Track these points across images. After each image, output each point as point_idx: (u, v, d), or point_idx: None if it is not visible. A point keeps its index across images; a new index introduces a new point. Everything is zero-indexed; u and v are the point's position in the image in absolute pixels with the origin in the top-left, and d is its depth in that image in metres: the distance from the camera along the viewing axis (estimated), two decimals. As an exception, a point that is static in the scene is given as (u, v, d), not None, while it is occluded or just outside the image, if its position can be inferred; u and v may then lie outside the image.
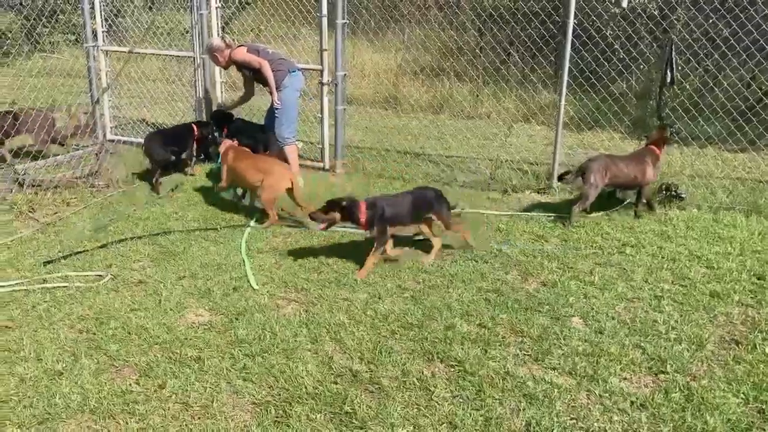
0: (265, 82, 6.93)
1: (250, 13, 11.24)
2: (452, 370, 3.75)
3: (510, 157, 8.04)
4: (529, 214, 6.26)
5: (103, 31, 8.34)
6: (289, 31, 9.51)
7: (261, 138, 7.38)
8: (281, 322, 4.19)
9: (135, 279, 4.79)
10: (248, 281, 4.78)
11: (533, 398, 3.49)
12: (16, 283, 4.66)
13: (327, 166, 7.77)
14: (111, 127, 8.70)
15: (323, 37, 7.37)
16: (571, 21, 6.58)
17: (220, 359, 3.78)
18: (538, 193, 6.99)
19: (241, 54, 6.85)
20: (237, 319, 4.23)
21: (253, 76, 7.02)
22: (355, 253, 5.30)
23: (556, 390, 3.56)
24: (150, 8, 10.99)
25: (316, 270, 5.02)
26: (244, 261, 5.08)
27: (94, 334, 4.02)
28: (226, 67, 7.32)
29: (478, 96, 11.06)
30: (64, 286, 4.63)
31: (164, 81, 9.33)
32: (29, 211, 5.97)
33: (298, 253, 5.30)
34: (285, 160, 7.05)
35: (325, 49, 7.39)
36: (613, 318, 4.36)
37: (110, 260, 5.14)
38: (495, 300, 4.57)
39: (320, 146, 7.84)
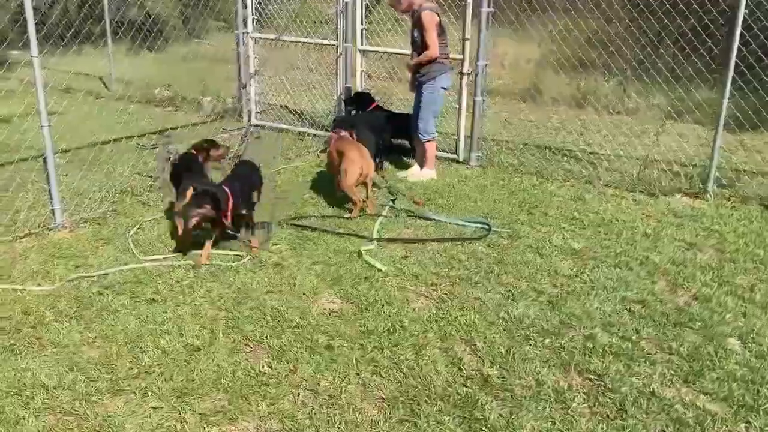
0: (417, 50, 6.72)
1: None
2: (591, 383, 3.51)
3: (659, 156, 7.50)
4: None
5: (253, 18, 8.64)
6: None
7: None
8: (411, 317, 4.12)
9: (272, 262, 4.90)
10: (376, 268, 4.76)
11: (682, 424, 3.19)
12: (164, 258, 4.90)
13: (461, 159, 7.61)
14: (255, 113, 9.02)
15: (466, 26, 7.20)
16: (742, 10, 5.98)
17: (350, 349, 3.76)
18: (690, 197, 6.45)
19: (429, 21, 6.48)
20: (367, 309, 4.20)
21: (414, 42, 6.77)
22: (491, 248, 5.13)
23: (709, 418, 3.23)
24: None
25: (447, 265, 4.89)
26: (361, 252, 5.03)
27: (232, 312, 4.14)
28: (402, 12, 7.00)
29: (625, 90, 10.43)
30: (208, 264, 4.81)
31: (306, 69, 9.54)
32: (178, 190, 6.27)
33: (428, 247, 5.20)
34: (424, 155, 6.98)
35: (467, 39, 7.22)
36: (777, 342, 3.91)
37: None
38: (640, 312, 4.24)
39: (455, 137, 7.69)
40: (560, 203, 6.26)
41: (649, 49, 8.76)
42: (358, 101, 7.76)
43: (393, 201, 6.19)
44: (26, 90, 10.24)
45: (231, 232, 4.98)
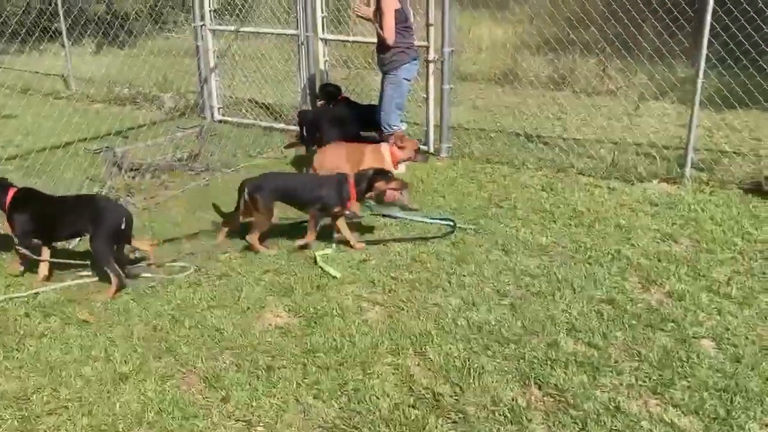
0: (376, 34, 6.34)
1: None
2: (552, 399, 3.22)
3: (636, 140, 7.21)
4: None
5: (210, 10, 8.26)
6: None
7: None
8: (362, 330, 3.82)
9: (218, 272, 4.58)
10: (330, 275, 4.46)
11: (648, 444, 2.91)
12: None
13: (431, 150, 7.29)
14: (218, 108, 8.66)
15: (430, 11, 6.86)
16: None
17: (292, 370, 3.46)
18: (667, 182, 6.16)
19: (389, 5, 6.08)
20: (316, 323, 3.90)
21: (376, 26, 6.35)
22: (455, 247, 4.83)
23: (677, 435, 2.95)
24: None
25: (408, 268, 4.59)
26: (317, 258, 4.71)
27: (168, 333, 3.83)
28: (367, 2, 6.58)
29: (604, 70, 10.10)
30: (148, 277, 4.50)
31: (271, 60, 9.18)
32: (127, 195, 5.95)
33: (390, 248, 4.90)
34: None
35: (431, 24, 6.88)
36: (753, 342, 3.64)
37: (198, 249, 4.97)
38: (609, 313, 3.95)
39: (425, 128, 7.36)
40: (531, 195, 5.96)
41: (630, 26, 8.43)
42: (325, 93, 7.41)
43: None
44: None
45: None
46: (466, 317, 3.93)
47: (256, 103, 8.91)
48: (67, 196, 5.00)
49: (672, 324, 3.82)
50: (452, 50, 6.96)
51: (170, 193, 6.11)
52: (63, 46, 10.66)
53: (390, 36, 6.14)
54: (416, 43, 6.91)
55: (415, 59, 6.52)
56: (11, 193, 4.44)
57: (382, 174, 4.98)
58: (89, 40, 12.62)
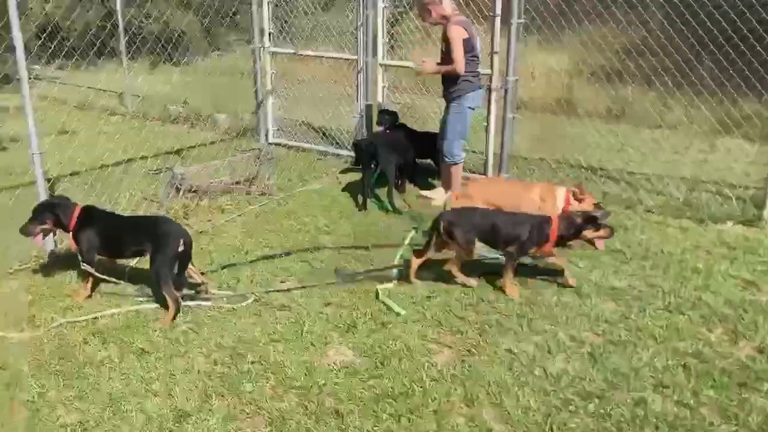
0: (444, 63, 6.19)
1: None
2: (644, 465, 2.97)
3: (706, 177, 6.90)
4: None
5: (269, 32, 8.23)
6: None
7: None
8: (432, 374, 3.61)
9: (279, 302, 4.43)
10: (394, 311, 4.27)
11: None
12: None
13: (491, 180, 7.08)
14: (273, 130, 8.61)
15: (495, 39, 6.69)
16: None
17: (362, 417, 3.27)
18: (744, 224, 5.84)
19: (457, 36, 5.98)
20: (383, 363, 3.71)
21: (443, 57, 6.25)
22: (524, 286, 4.60)
23: None
24: (322, 8, 10.90)
25: (474, 307, 4.38)
26: (378, 292, 4.53)
27: (229, 368, 3.67)
28: (432, 24, 6.48)
29: (665, 103, 9.79)
30: (208, 306, 4.37)
31: (327, 84, 9.12)
32: (184, 218, 5.87)
33: (454, 283, 4.69)
34: (449, 179, 6.48)
35: (496, 52, 6.71)
36: None
37: (257, 277, 4.84)
38: (696, 368, 3.68)
39: (483, 158, 7.16)
40: (599, 232, 5.70)
41: (690, 56, 8.15)
42: (383, 119, 7.28)
43: (416, 229, 5.70)
44: (44, 107, 10.05)
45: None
46: (542, 366, 3.69)
47: (311, 126, 8.83)
48: (132, 215, 4.96)
49: (768, 384, 3.53)
50: (516, 79, 6.78)
51: (227, 216, 6.01)
52: (121, 63, 10.77)
53: (460, 67, 6.02)
54: (481, 71, 6.78)
55: (481, 87, 6.37)
56: (77, 211, 4.41)
57: (591, 220, 4.61)
58: (145, 59, 12.77)
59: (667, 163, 7.60)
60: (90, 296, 4.44)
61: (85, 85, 11.26)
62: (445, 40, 6.13)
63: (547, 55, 12.07)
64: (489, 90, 6.84)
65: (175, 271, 4.25)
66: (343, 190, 6.87)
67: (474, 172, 7.21)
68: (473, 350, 3.86)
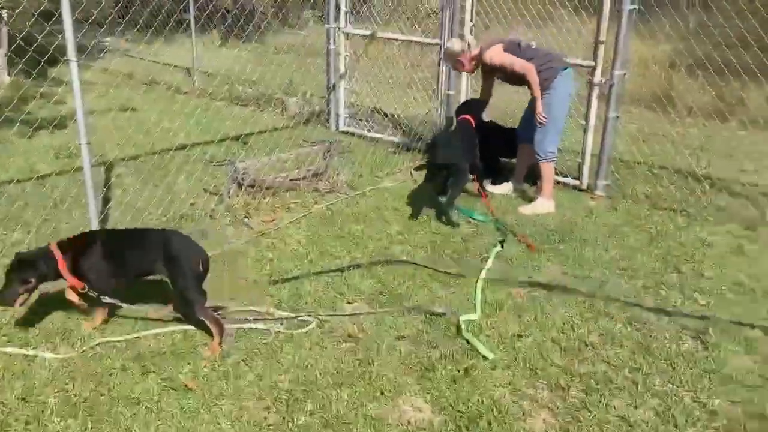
0: (521, 82, 5.66)
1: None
2: None
3: None
4: None
5: (345, 12, 7.57)
6: (538, 14, 7.84)
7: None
8: (529, 447, 2.94)
9: (344, 330, 3.82)
10: (480, 353, 3.59)
11: None
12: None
13: (584, 186, 6.28)
14: (344, 117, 7.99)
15: (601, 27, 5.84)
16: None
17: (441, 502, 2.63)
18: None
19: (499, 56, 5.56)
20: (466, 427, 3.05)
21: (505, 78, 5.77)
22: (633, 327, 3.84)
23: None
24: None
25: (575, 352, 3.66)
26: (460, 327, 3.85)
27: (284, 417, 3.08)
28: (472, 71, 6.12)
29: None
30: (265, 330, 3.80)
31: (403, 68, 8.42)
32: (245, 216, 5.32)
33: (549, 318, 3.98)
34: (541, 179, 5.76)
35: (601, 42, 5.87)
36: None
37: (320, 294, 4.24)
38: None
39: (579, 160, 6.35)
40: (717, 258, 4.86)
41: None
42: (465, 112, 6.53)
43: (502, 243, 5.00)
44: (109, 81, 9.76)
45: None
46: (666, 442, 2.97)
47: (385, 114, 8.17)
48: (133, 228, 4.27)
49: None
50: (624, 73, 5.92)
51: (291, 216, 5.44)
52: (190, 37, 10.35)
53: (527, 68, 5.47)
54: (579, 62, 6.00)
55: (566, 68, 5.59)
56: (56, 250, 3.61)
57: None
58: (216, 34, 12.36)
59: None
60: (107, 320, 3.85)
61: (154, 59, 10.96)
62: (497, 69, 5.69)
63: (640, 44, 11.00)
64: (591, 84, 6.02)
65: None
66: (418, 189, 6.19)
67: (566, 176, 6.41)
68: (578, 415, 3.16)
